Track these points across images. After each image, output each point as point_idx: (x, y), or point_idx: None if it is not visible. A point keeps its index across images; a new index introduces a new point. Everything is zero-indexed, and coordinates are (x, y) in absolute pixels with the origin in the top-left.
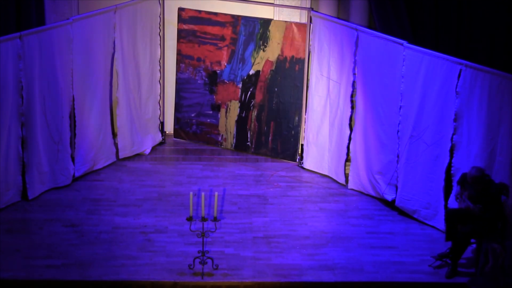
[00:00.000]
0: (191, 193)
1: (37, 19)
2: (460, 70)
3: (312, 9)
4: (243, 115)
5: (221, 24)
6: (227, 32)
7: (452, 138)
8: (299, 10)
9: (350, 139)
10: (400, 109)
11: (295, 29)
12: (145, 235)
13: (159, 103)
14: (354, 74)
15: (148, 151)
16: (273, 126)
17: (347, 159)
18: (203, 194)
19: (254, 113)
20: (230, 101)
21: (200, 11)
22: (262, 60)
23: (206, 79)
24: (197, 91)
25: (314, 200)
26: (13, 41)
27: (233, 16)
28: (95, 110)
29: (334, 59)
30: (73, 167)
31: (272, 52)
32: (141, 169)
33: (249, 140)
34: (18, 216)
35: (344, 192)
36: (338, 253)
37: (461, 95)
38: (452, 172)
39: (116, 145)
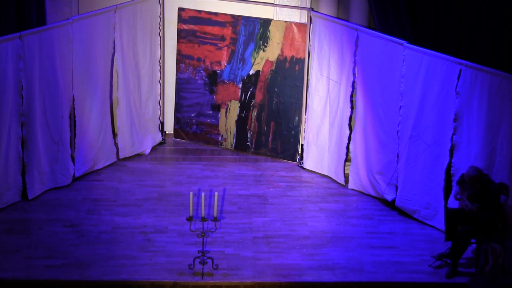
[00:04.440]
0: (191, 193)
1: (37, 19)
2: (460, 70)
3: (312, 9)
4: (243, 115)
5: (221, 24)
6: (227, 32)
7: (452, 138)
8: (299, 10)
9: (350, 139)
10: (400, 109)
11: (295, 29)
12: (145, 235)
13: (159, 103)
14: (354, 74)
15: (148, 151)
16: (273, 126)
17: (347, 159)
18: (203, 194)
19: (254, 113)
20: (230, 101)
21: (200, 11)
22: (262, 60)
23: (206, 79)
24: (197, 91)
25: (314, 200)
26: (13, 41)
27: (233, 16)
28: (95, 110)
29: (334, 59)
30: (73, 167)
31: (272, 52)
32: (141, 169)
33: (249, 140)
34: (18, 216)
35: (344, 192)
36: (338, 253)
37: (461, 95)
38: (452, 172)
39: (116, 145)
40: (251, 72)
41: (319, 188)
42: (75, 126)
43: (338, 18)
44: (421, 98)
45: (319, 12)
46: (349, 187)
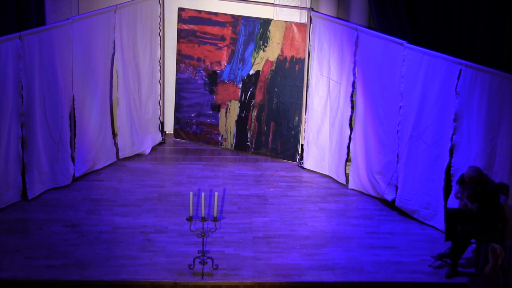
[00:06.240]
0: (191, 193)
1: (37, 19)
2: (460, 70)
3: (312, 9)
4: (243, 115)
5: (221, 24)
6: (227, 32)
7: (452, 138)
8: (299, 10)
9: (350, 139)
10: (400, 109)
11: (295, 29)
12: (145, 235)
13: (159, 103)
14: (354, 74)
15: (148, 151)
16: (273, 126)
17: (348, 159)
18: (203, 194)
19: (254, 113)
20: (230, 101)
21: (200, 11)
22: (262, 60)
23: (206, 79)
24: (197, 91)
25: (314, 200)
26: (13, 41)
27: (233, 16)
28: (95, 110)
29: (334, 59)
30: (73, 167)
31: (272, 52)
32: (141, 169)
33: (249, 140)
34: (18, 216)
35: (344, 192)
36: (338, 253)
37: (461, 95)
38: (452, 172)
39: (116, 145)
40: (251, 72)
41: (319, 188)
42: (75, 126)
43: (338, 18)
44: (421, 98)
45: (319, 12)
46: (349, 187)
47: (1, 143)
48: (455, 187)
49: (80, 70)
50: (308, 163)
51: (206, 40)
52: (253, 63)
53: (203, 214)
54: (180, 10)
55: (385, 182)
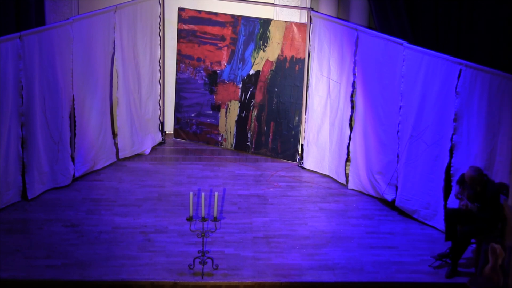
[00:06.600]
0: (191, 193)
1: (37, 19)
2: (460, 70)
3: (312, 9)
4: (243, 115)
5: (221, 24)
6: (227, 32)
7: (452, 138)
8: (299, 10)
9: (350, 139)
10: (400, 109)
11: (295, 29)
12: (145, 235)
13: (159, 103)
14: (354, 74)
15: (148, 151)
16: (273, 126)
17: (348, 159)
18: (203, 194)
19: (254, 113)
20: (230, 101)
21: (200, 11)
22: (262, 60)
23: (206, 79)
24: (197, 91)
25: (314, 200)
26: (13, 41)
27: (233, 16)
28: (95, 110)
29: (334, 59)
30: (73, 167)
31: (272, 52)
32: (141, 169)
33: (249, 140)
34: (18, 216)
35: (344, 192)
36: (338, 253)
37: (461, 95)
38: (451, 172)
39: (116, 145)
40: (251, 72)
41: (319, 188)
42: (75, 126)
43: (338, 18)
44: (421, 98)
45: (319, 12)
46: (349, 187)
47: (1, 143)
48: (455, 187)
49: (80, 70)
50: (308, 163)
51: (206, 40)
52: (253, 63)
53: (203, 214)
54: (180, 10)
55: (385, 182)
